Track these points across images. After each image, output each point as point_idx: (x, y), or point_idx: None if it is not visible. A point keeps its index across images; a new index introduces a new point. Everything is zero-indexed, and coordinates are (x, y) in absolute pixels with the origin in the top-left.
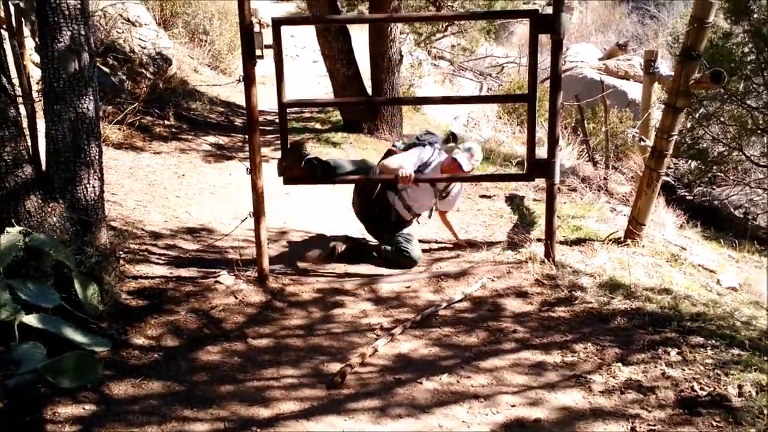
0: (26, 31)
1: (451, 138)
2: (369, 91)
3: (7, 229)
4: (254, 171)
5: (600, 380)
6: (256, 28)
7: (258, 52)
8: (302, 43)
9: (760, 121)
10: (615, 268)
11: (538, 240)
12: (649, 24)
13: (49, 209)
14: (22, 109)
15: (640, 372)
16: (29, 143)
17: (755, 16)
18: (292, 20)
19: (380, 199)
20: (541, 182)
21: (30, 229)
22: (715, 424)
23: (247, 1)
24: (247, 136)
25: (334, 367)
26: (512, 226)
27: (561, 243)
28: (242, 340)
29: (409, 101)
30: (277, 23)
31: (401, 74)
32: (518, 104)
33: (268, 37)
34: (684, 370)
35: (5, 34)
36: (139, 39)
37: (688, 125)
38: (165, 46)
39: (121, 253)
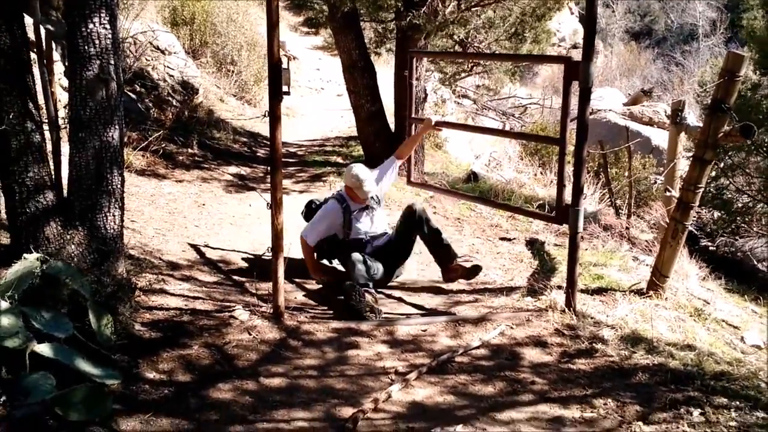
0: (56, 56)
1: (472, 177)
2: (392, 128)
3: (25, 255)
4: (275, 207)
5: None
6: (284, 65)
7: (285, 89)
8: (327, 77)
9: None
10: (637, 321)
11: (559, 287)
12: (675, 71)
13: (68, 236)
14: (47, 134)
15: None
16: (52, 169)
17: None
18: (426, 53)
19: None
20: (564, 227)
21: (48, 256)
22: None
23: (277, 37)
24: (269, 168)
25: (347, 411)
26: (532, 272)
27: (582, 291)
28: (254, 378)
29: (458, 126)
30: (411, 55)
31: (425, 112)
32: (540, 146)
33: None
34: None
35: (35, 57)
36: (168, 67)
37: (713, 175)
38: (192, 75)
39: (137, 283)
